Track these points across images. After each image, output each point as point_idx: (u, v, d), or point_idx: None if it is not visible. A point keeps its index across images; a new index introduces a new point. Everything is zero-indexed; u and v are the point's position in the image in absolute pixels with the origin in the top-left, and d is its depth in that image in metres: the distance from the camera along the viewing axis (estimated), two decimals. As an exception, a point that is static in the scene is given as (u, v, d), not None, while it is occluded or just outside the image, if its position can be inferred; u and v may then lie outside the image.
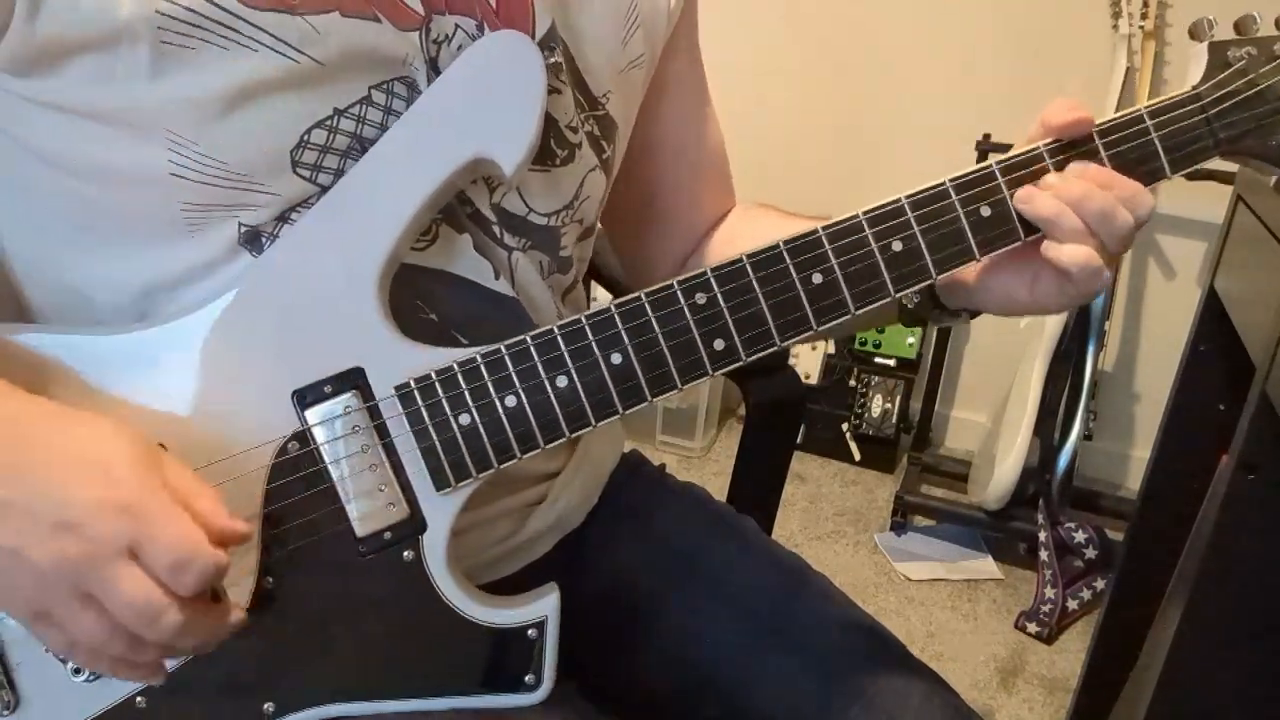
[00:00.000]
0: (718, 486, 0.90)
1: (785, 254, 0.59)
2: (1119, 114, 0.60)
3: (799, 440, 2.38)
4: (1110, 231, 0.58)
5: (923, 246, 0.59)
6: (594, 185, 0.69)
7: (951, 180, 0.60)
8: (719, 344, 0.59)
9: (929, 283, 0.60)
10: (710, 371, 0.59)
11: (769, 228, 0.67)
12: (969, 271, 0.63)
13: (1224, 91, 0.60)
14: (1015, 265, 0.62)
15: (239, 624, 0.52)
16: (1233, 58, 0.60)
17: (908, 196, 0.59)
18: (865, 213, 0.59)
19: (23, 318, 0.63)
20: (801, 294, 0.59)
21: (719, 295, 0.58)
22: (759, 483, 0.99)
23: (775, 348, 0.60)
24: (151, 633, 0.47)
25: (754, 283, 0.58)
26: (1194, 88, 0.61)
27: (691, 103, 0.81)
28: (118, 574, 0.46)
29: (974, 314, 0.68)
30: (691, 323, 0.58)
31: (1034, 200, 0.58)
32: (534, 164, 0.63)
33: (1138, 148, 0.60)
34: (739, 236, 0.82)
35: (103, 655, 0.50)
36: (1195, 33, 0.62)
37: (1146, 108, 0.60)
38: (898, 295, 0.60)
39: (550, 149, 0.64)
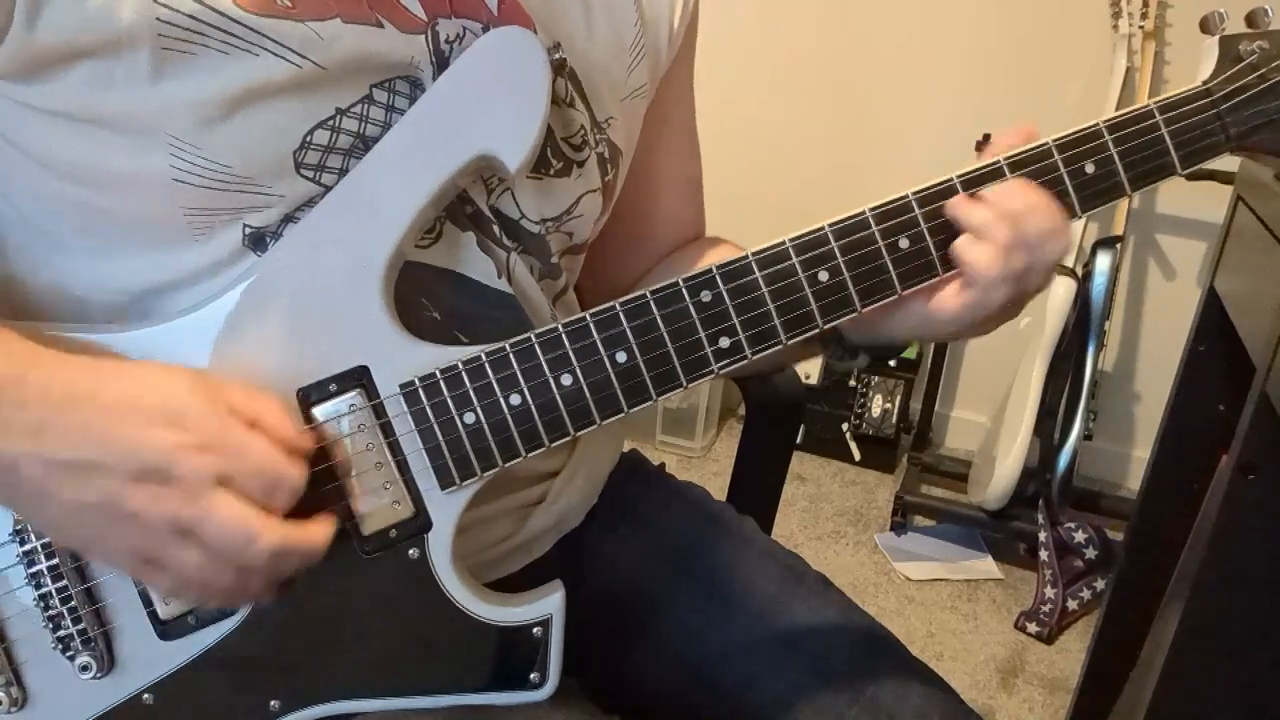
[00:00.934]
0: (718, 486, 0.90)
1: (791, 251, 0.58)
2: (1128, 109, 0.60)
3: (799, 440, 2.38)
4: (1042, 257, 0.58)
5: (930, 244, 0.59)
6: (590, 205, 0.69)
7: (959, 175, 0.60)
8: (724, 341, 0.59)
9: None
10: (715, 369, 0.59)
11: (711, 255, 0.67)
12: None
13: (1236, 86, 0.59)
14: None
15: (330, 534, 0.54)
16: (1244, 52, 0.59)
17: (914, 193, 0.59)
18: (872, 209, 0.59)
19: (17, 319, 0.63)
20: (808, 292, 0.59)
21: (724, 293, 0.58)
22: (759, 483, 0.99)
23: (781, 345, 0.60)
24: (252, 555, 0.49)
25: (759, 280, 0.58)
26: (1204, 83, 0.60)
27: (680, 135, 0.82)
28: (212, 504, 0.48)
29: (872, 356, 0.68)
30: (697, 320, 0.58)
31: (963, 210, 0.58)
32: (529, 173, 0.63)
33: (1147, 144, 0.59)
34: (677, 261, 0.82)
35: (213, 589, 0.52)
36: (1206, 26, 0.61)
37: (1156, 103, 0.59)
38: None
39: (546, 158, 0.64)
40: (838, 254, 0.59)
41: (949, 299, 0.60)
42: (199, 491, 0.48)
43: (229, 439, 0.49)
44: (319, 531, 0.53)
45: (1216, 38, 0.60)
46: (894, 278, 0.59)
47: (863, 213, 0.59)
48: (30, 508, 0.52)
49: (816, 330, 0.60)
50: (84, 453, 0.48)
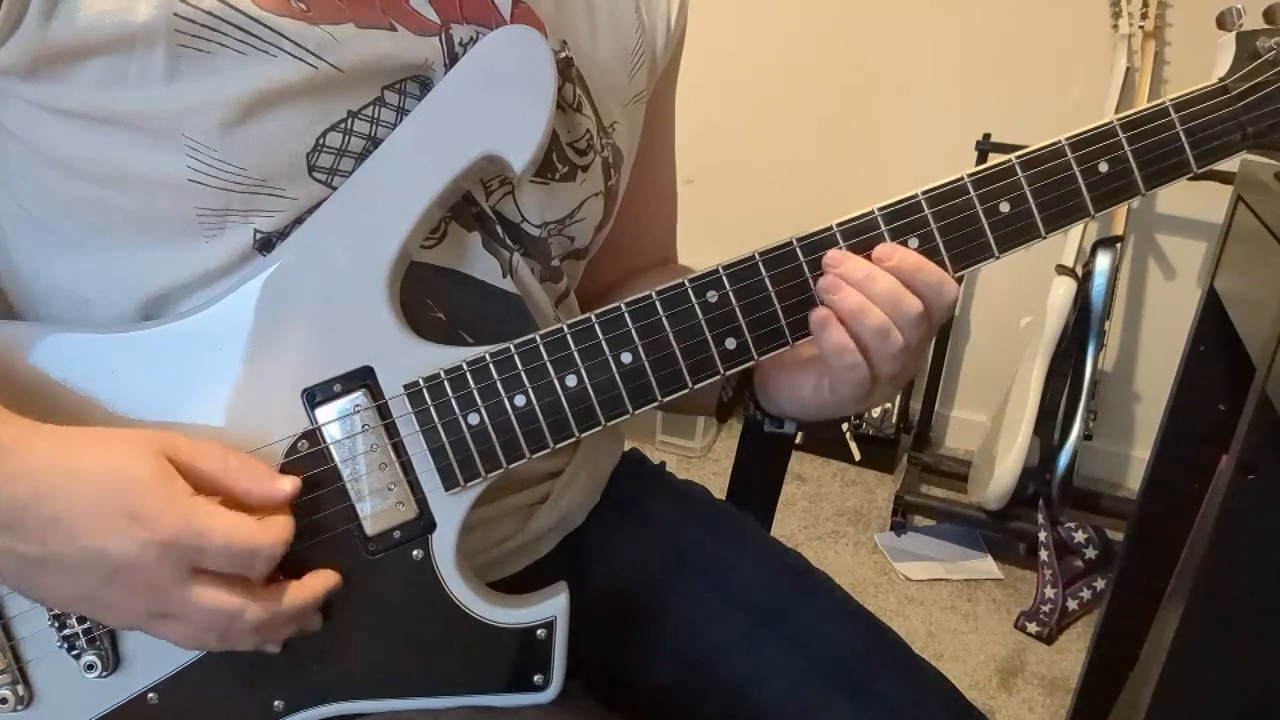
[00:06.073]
0: (718, 486, 0.90)
1: (799, 251, 0.58)
2: (1144, 106, 0.59)
3: (799, 440, 2.38)
4: (882, 350, 0.57)
5: (940, 244, 0.59)
6: (592, 209, 0.69)
7: (973, 172, 0.59)
8: (730, 343, 0.58)
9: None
10: (721, 371, 0.59)
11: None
12: (771, 371, 0.64)
13: (1253, 83, 0.58)
14: (803, 363, 0.64)
15: (328, 586, 0.55)
16: (1262, 48, 0.58)
17: (924, 192, 0.58)
18: (881, 209, 0.58)
19: (19, 320, 0.62)
20: (816, 292, 0.58)
21: (730, 293, 0.58)
22: (758, 483, 0.99)
23: (788, 347, 0.59)
24: (240, 630, 0.51)
25: (766, 281, 0.58)
26: (1220, 80, 0.59)
27: (659, 147, 0.82)
28: (189, 596, 0.50)
29: (797, 424, 0.70)
30: (703, 321, 0.58)
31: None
32: (533, 177, 0.63)
33: (1162, 142, 0.58)
34: (640, 285, 0.81)
35: (211, 647, 0.54)
36: (1223, 22, 0.60)
37: (1172, 100, 0.58)
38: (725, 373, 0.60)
39: (551, 163, 0.64)
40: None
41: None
42: (173, 587, 0.49)
43: (194, 527, 0.49)
44: (308, 592, 0.54)
45: (1233, 34, 0.59)
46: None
47: (871, 212, 0.58)
48: (19, 588, 0.54)
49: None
50: (54, 549, 0.49)
